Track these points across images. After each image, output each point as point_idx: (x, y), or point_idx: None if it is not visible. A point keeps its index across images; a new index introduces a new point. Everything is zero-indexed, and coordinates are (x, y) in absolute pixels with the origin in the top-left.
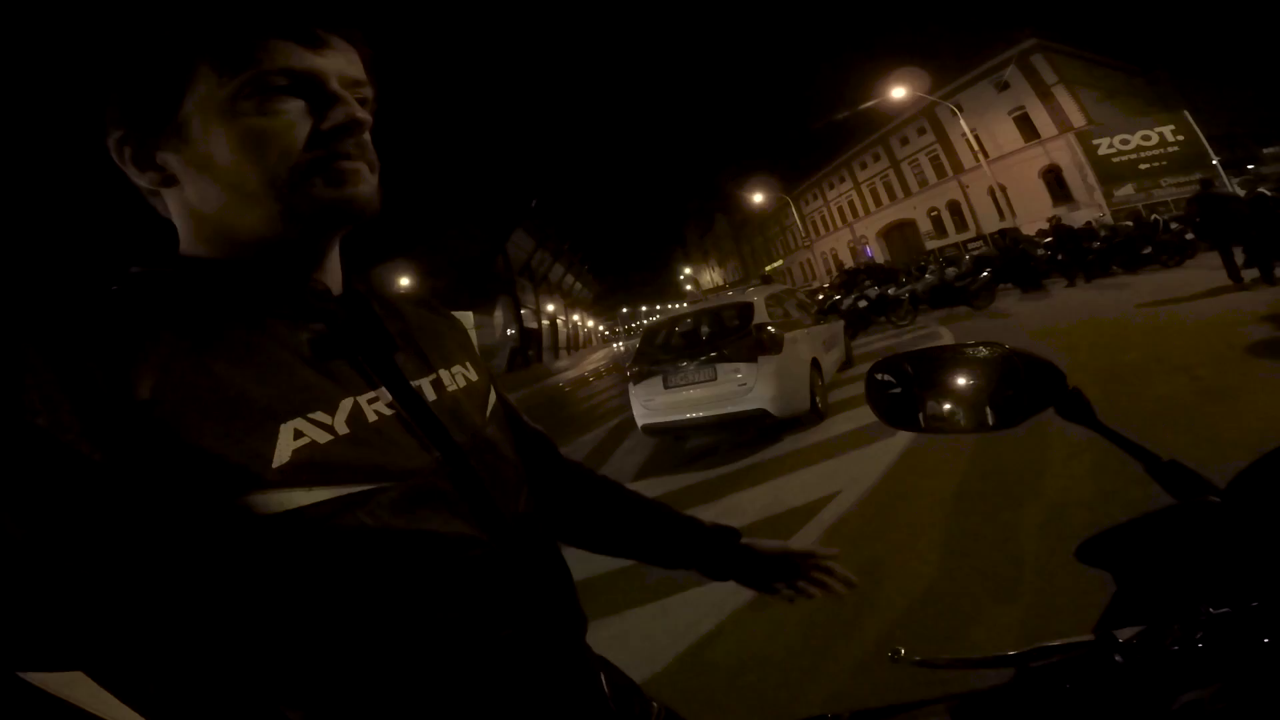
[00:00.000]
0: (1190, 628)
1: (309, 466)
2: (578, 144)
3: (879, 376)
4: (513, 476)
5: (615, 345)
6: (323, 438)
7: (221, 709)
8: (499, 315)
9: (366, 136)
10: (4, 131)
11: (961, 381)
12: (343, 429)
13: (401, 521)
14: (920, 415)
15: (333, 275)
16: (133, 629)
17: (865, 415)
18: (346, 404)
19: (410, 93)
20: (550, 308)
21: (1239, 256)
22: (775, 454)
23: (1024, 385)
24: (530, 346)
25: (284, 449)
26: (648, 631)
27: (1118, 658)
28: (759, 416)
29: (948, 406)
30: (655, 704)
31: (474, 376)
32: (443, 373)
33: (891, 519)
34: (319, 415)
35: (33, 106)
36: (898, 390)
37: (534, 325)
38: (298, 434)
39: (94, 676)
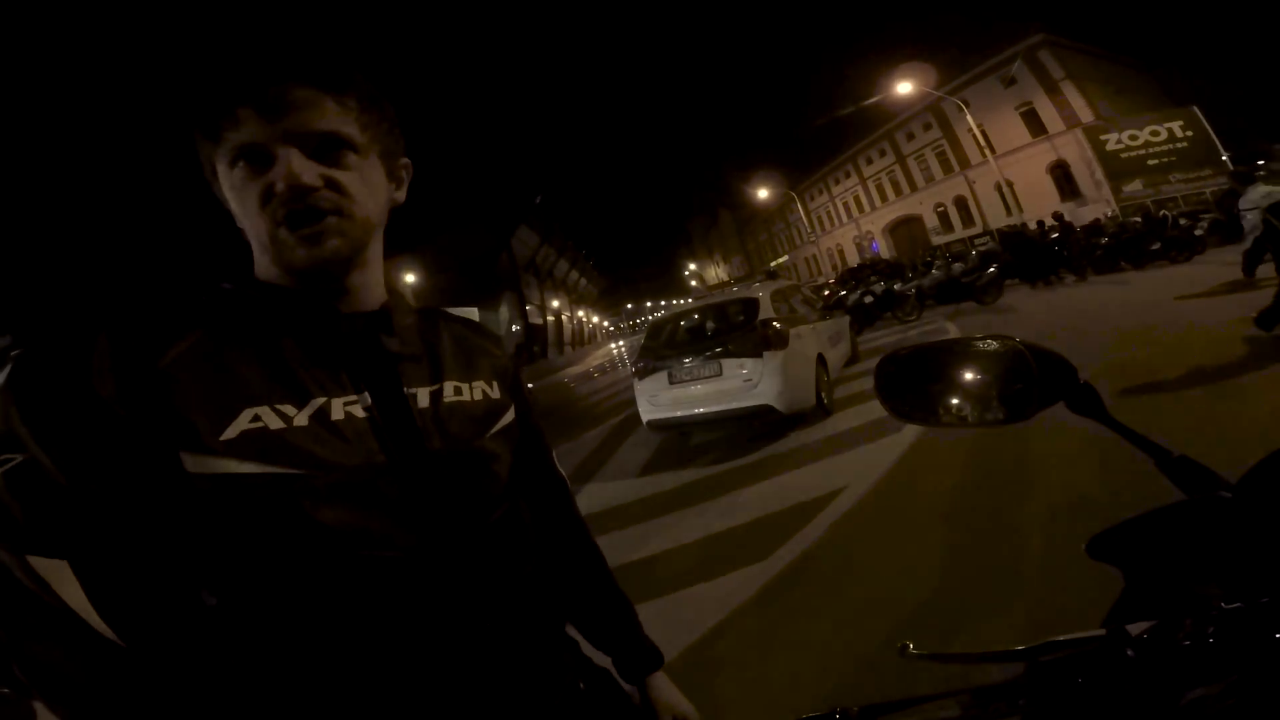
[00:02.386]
0: (1202, 623)
1: (251, 444)
2: (583, 139)
3: (888, 369)
4: (493, 490)
5: (614, 346)
6: (275, 424)
7: (147, 621)
8: (504, 311)
9: (329, 190)
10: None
11: (971, 375)
12: (301, 421)
13: (326, 511)
14: (929, 409)
15: (364, 295)
16: (106, 540)
17: (871, 411)
18: (318, 402)
19: (415, 90)
20: (555, 304)
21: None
22: (780, 450)
23: (1035, 379)
24: (535, 342)
25: (237, 426)
26: (652, 626)
27: (1129, 652)
28: (764, 412)
29: (957, 400)
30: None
31: (494, 395)
32: (449, 385)
33: (897, 514)
34: (285, 407)
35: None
36: (907, 383)
37: (539, 321)
38: (255, 418)
39: (73, 567)
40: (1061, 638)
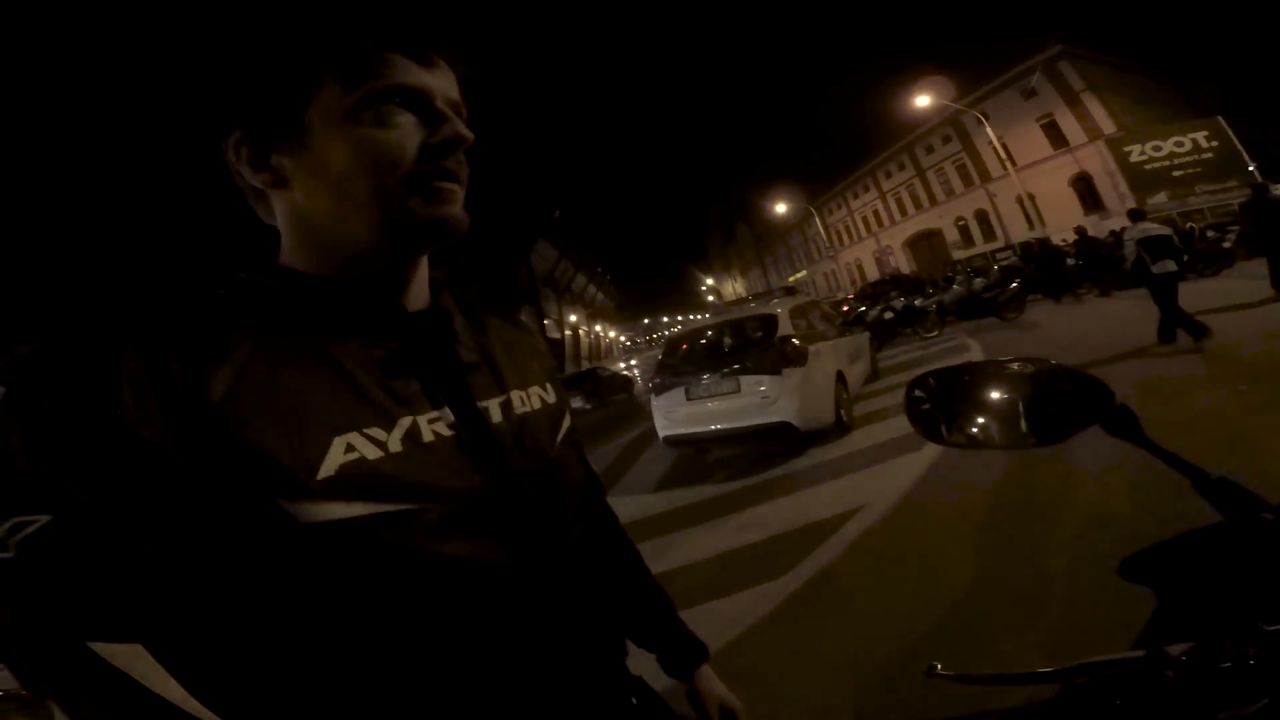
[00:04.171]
0: (1243, 644)
1: (353, 480)
2: (601, 154)
3: (917, 392)
4: (572, 504)
5: (622, 364)
6: (373, 453)
7: (260, 696)
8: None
9: (463, 156)
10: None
11: (1004, 396)
12: (396, 447)
13: (435, 543)
14: (959, 430)
15: (418, 291)
16: (186, 610)
17: (892, 429)
18: (405, 422)
19: None
20: (573, 318)
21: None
22: (799, 467)
23: (1069, 401)
24: (554, 357)
25: (332, 461)
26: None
27: (1169, 673)
28: (783, 429)
29: (989, 422)
30: None
31: (551, 399)
32: (516, 394)
33: (918, 534)
34: (374, 431)
35: (148, 110)
36: (938, 405)
37: (557, 336)
38: (349, 448)
39: (151, 651)
40: (1097, 659)
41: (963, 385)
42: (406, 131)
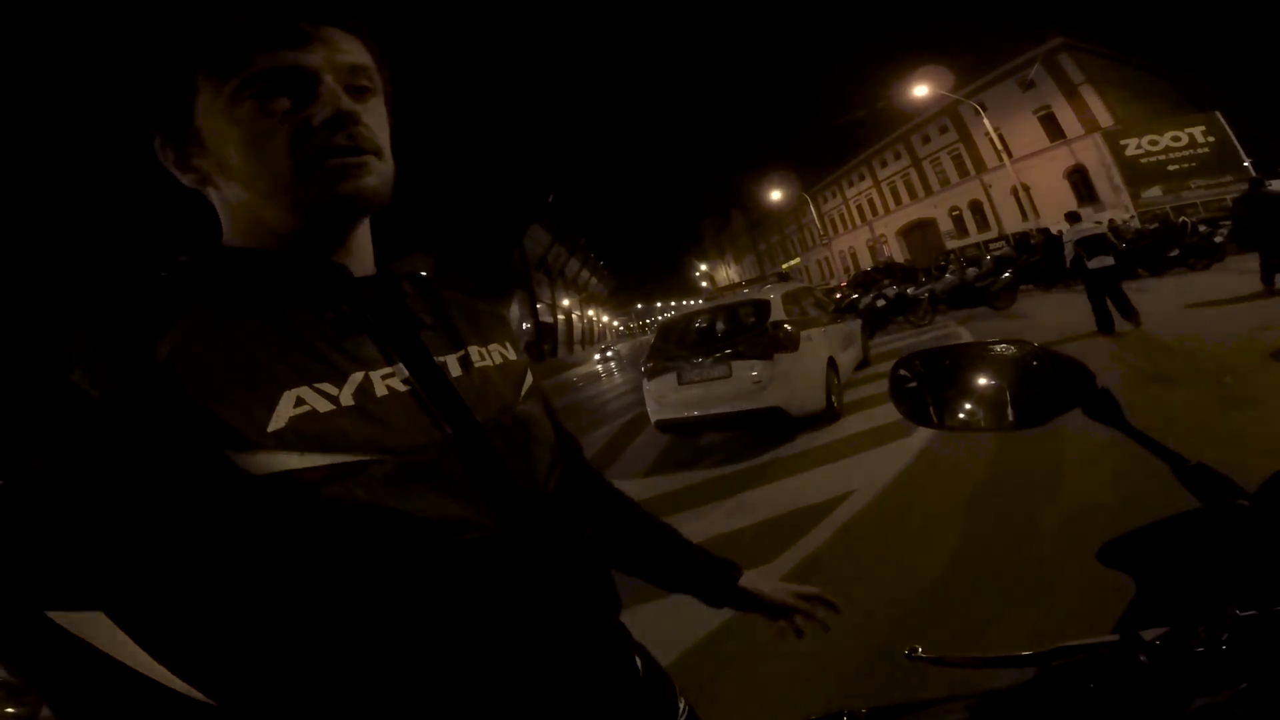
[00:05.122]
0: (1216, 629)
1: (304, 433)
2: (597, 139)
3: (902, 372)
4: (544, 456)
5: (603, 352)
6: (324, 406)
7: (227, 659)
8: (515, 309)
9: (366, 126)
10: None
11: (987, 379)
12: (347, 400)
13: (394, 497)
14: (943, 412)
15: (361, 258)
16: (146, 573)
17: (882, 415)
18: (357, 377)
19: (430, 88)
20: (566, 302)
21: (1266, 260)
22: (790, 452)
23: (1051, 384)
24: (546, 341)
25: (282, 414)
26: (658, 625)
27: (1142, 658)
28: (774, 414)
29: (972, 404)
30: (683, 701)
31: (512, 356)
32: (474, 349)
33: (906, 519)
34: (325, 386)
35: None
36: (921, 387)
37: (549, 320)
38: (299, 401)
39: (112, 617)
40: (1073, 643)
41: (947, 368)
42: (284, 117)
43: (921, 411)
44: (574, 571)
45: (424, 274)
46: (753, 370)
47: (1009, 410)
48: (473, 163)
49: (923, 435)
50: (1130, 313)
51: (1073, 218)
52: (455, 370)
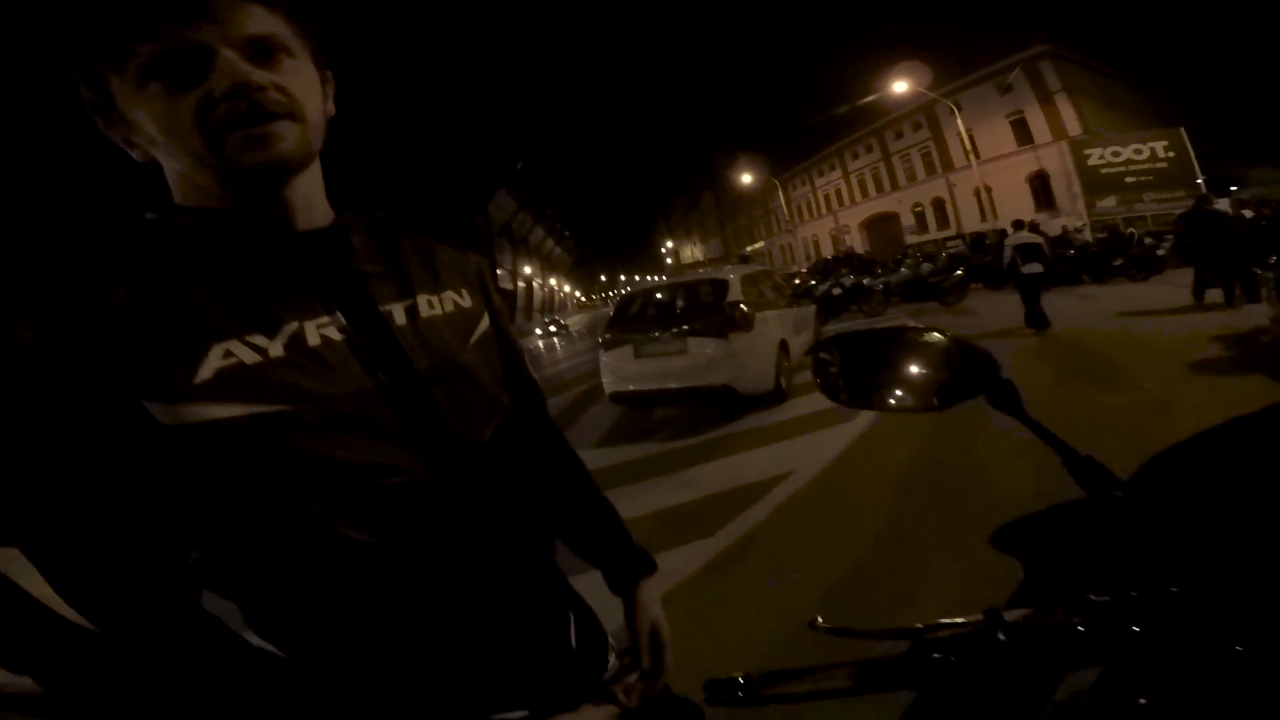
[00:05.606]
0: (1072, 612)
1: (231, 384)
2: (575, 110)
3: (822, 354)
4: (483, 405)
5: (547, 326)
6: (251, 358)
7: (138, 600)
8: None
9: (275, 89)
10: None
11: (901, 364)
12: (277, 351)
13: (320, 444)
14: (859, 393)
15: (308, 211)
16: (64, 515)
17: (825, 399)
18: (290, 328)
19: (400, 48)
20: (527, 270)
21: (1200, 276)
22: (737, 430)
23: (960, 372)
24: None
25: (209, 366)
26: (602, 597)
27: (1001, 636)
28: (724, 392)
29: (884, 386)
30: (614, 656)
31: (467, 303)
32: (423, 298)
33: (840, 501)
34: (255, 338)
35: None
36: (842, 368)
37: (509, 286)
38: (227, 353)
39: (26, 554)
40: (946, 620)
41: (865, 350)
42: (187, 93)
43: (837, 390)
44: (499, 519)
45: (388, 220)
46: (707, 348)
47: (917, 393)
48: (442, 124)
49: (863, 420)
50: (1040, 321)
51: (1017, 225)
52: (400, 319)
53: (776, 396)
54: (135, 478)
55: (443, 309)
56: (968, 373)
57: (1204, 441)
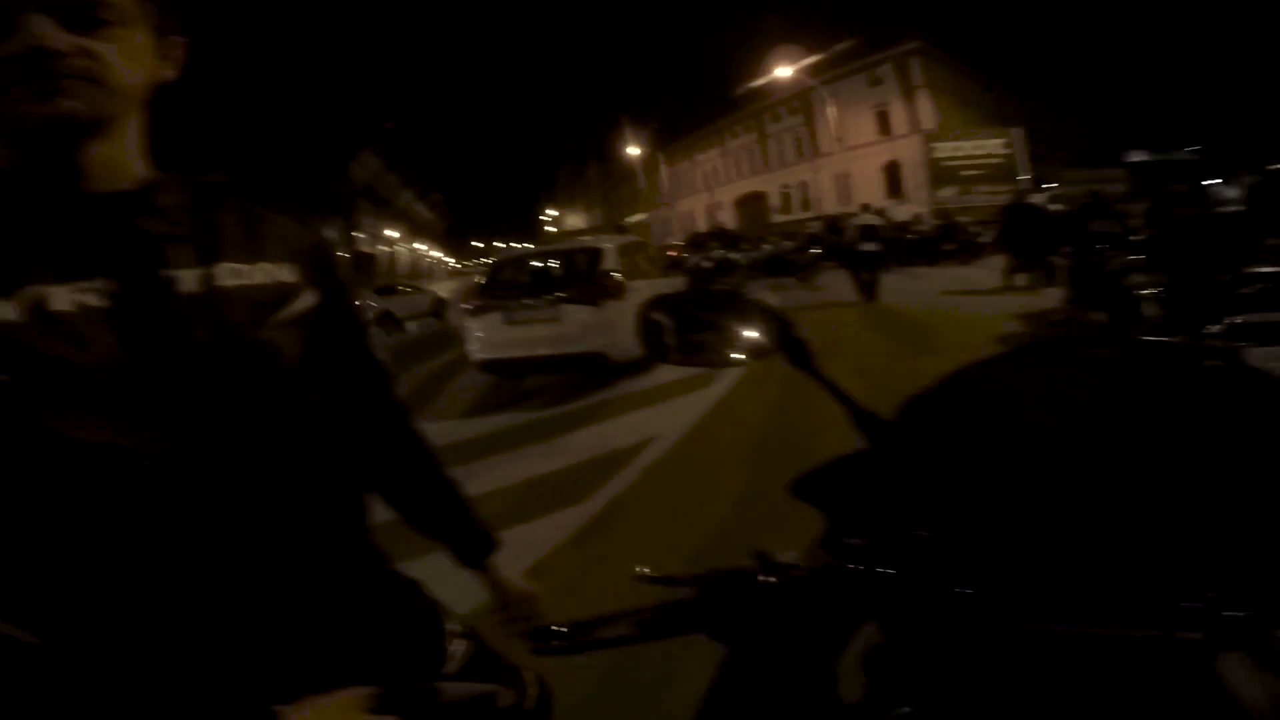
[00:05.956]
0: (834, 556)
1: None
2: (455, 69)
3: (652, 314)
4: (268, 387)
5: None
6: None
7: None
8: (328, 235)
9: (81, 59)
10: None
11: (710, 322)
12: (6, 314)
13: (52, 422)
14: (676, 349)
15: (109, 174)
16: None
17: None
18: (30, 291)
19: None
20: (391, 234)
21: (1013, 260)
22: (607, 397)
23: (765, 332)
24: (363, 272)
25: None
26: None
27: (766, 578)
28: (596, 358)
29: (699, 343)
30: (461, 644)
31: (283, 277)
32: (228, 266)
33: (700, 462)
34: None
35: None
36: (660, 326)
37: (368, 250)
38: None
39: None
40: (730, 567)
41: (683, 311)
42: None
43: (660, 348)
44: (272, 506)
45: (224, 184)
46: (580, 315)
47: (723, 349)
48: (301, 79)
49: (721, 385)
50: (872, 293)
51: (864, 208)
52: (189, 285)
53: (645, 363)
54: None
55: (250, 280)
56: (770, 332)
57: (947, 389)
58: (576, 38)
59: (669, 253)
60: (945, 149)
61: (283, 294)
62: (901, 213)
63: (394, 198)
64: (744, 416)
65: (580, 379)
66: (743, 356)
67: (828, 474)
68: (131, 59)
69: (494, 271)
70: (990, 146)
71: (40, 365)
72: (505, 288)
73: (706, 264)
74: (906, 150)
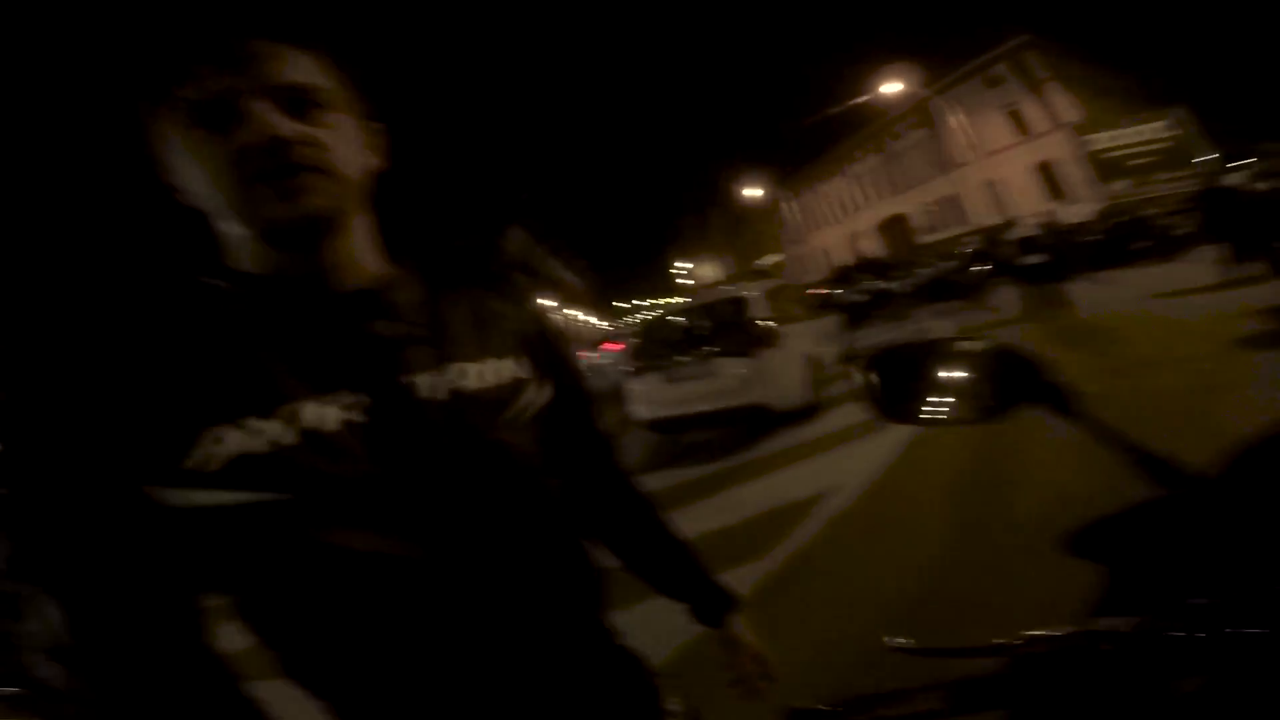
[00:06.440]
0: (1171, 618)
1: (226, 471)
2: (573, 138)
3: (871, 371)
4: (509, 486)
5: None
6: (238, 444)
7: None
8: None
9: (309, 145)
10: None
11: (950, 373)
12: (275, 434)
13: (309, 537)
14: (910, 407)
15: (352, 270)
16: (65, 572)
17: (863, 410)
18: (292, 408)
19: (406, 96)
20: (550, 304)
21: (1228, 250)
22: (773, 448)
23: (1009, 379)
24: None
25: (199, 453)
26: (645, 627)
27: (1104, 646)
28: (756, 410)
29: (935, 398)
30: (675, 702)
31: (512, 373)
32: (459, 367)
33: (890, 513)
34: (250, 421)
35: None
36: (890, 382)
37: None
38: (217, 439)
39: (46, 590)
40: (1041, 633)
41: (913, 363)
42: (219, 143)
43: (891, 407)
44: (516, 599)
45: (445, 270)
46: (734, 367)
47: (971, 403)
48: (449, 166)
49: (905, 430)
50: (1059, 302)
51: (1012, 221)
52: (428, 391)
53: (810, 410)
54: (145, 535)
55: (484, 381)
56: (1018, 379)
57: None
58: (681, 89)
59: (814, 291)
60: (1102, 140)
61: (512, 390)
62: (1072, 214)
63: (544, 268)
64: (935, 464)
65: (743, 431)
66: (972, 414)
67: (1117, 528)
68: (348, 146)
69: (647, 332)
70: (1152, 131)
71: (310, 482)
72: (660, 346)
73: (859, 297)
74: (1055, 147)
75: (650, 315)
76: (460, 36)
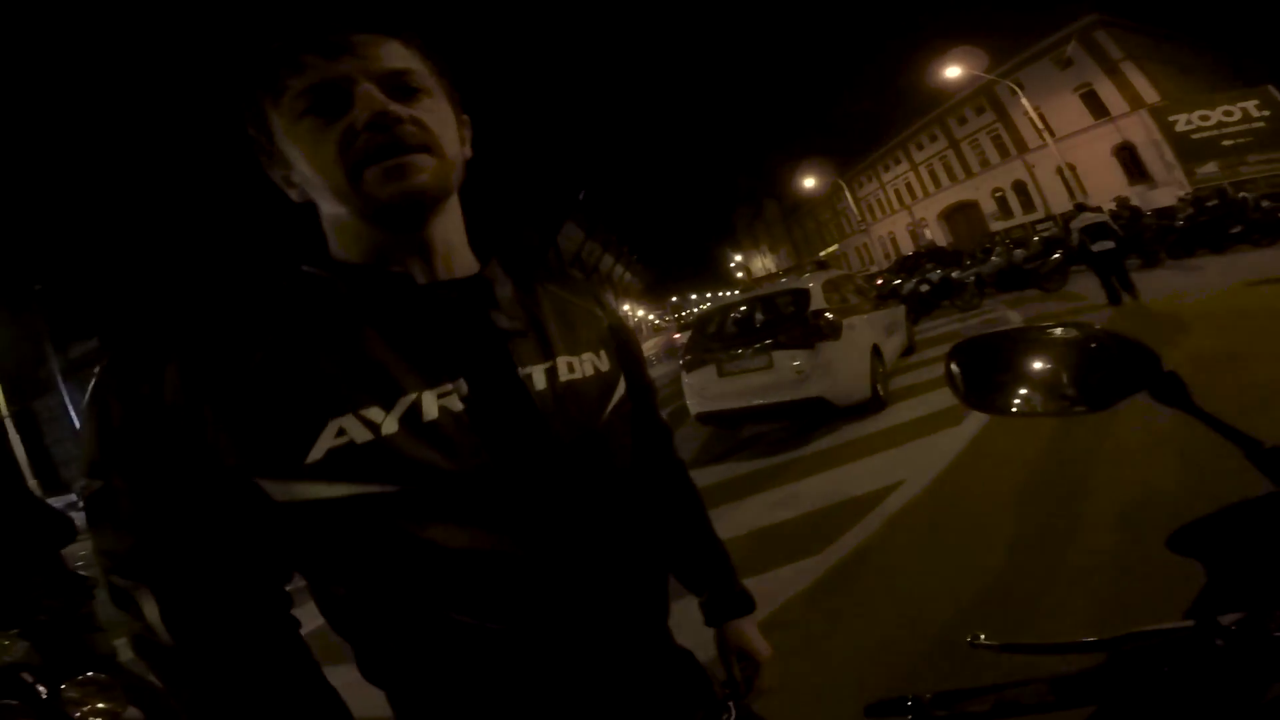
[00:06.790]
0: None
1: (339, 463)
2: (625, 131)
3: (958, 360)
4: (616, 478)
5: None
6: (362, 436)
7: (224, 633)
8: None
9: (414, 123)
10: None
11: (1048, 363)
12: (390, 427)
13: (428, 528)
14: (1004, 398)
15: (453, 259)
16: (183, 563)
17: (929, 403)
18: (407, 400)
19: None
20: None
21: None
22: (834, 443)
23: (1115, 367)
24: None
25: (322, 445)
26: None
27: (1219, 642)
28: (817, 404)
29: (1031, 389)
30: (732, 707)
31: (604, 366)
32: (565, 360)
33: (959, 509)
34: (371, 412)
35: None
36: (980, 372)
37: None
38: (340, 431)
39: (152, 593)
40: (1144, 628)
41: (1005, 352)
42: (332, 124)
43: (980, 397)
44: (610, 598)
45: (529, 265)
46: (794, 360)
47: (1072, 393)
48: (508, 163)
49: (974, 423)
50: (1131, 289)
51: (1080, 208)
52: (540, 383)
53: (874, 404)
54: (244, 527)
55: (584, 372)
56: (1125, 367)
57: None
58: (736, 76)
59: (877, 281)
60: (1186, 120)
61: (607, 383)
62: (1156, 198)
63: (599, 264)
64: (1006, 456)
65: (802, 425)
66: (1078, 404)
67: (1224, 525)
68: (447, 129)
69: (700, 324)
70: (1242, 110)
71: (415, 475)
72: (714, 339)
73: (924, 287)
74: (1135, 129)
75: (705, 308)
76: (511, 30)
